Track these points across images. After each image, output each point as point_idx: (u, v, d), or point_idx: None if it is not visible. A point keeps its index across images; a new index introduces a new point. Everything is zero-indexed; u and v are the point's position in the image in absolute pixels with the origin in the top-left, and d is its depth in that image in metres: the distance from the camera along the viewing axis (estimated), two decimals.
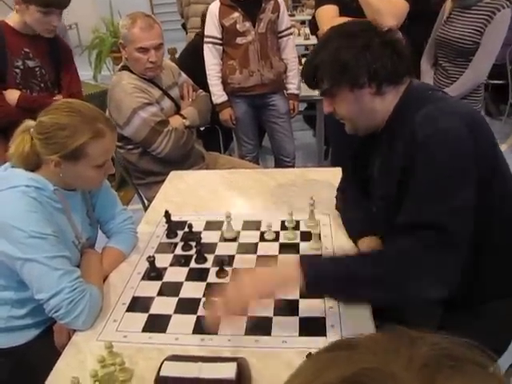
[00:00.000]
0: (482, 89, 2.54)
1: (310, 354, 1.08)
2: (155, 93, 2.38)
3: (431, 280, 1.15)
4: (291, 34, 2.99)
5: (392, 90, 1.29)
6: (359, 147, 1.47)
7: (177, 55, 4.14)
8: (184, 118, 2.46)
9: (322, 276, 1.19)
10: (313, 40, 5.02)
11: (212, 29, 2.84)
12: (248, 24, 2.79)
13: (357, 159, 1.54)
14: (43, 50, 2.46)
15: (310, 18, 5.77)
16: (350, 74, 1.24)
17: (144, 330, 1.30)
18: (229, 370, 1.07)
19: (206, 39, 2.88)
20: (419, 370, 0.40)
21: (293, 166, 3.24)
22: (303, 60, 3.94)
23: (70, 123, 1.34)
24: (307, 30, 5.33)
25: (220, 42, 2.86)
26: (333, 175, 1.96)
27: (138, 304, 1.39)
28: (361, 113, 1.32)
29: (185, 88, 2.61)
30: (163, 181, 2.18)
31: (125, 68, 2.39)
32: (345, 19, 2.47)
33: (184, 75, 2.65)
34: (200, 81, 2.82)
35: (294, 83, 3.04)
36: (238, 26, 2.79)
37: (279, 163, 3.26)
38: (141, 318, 1.34)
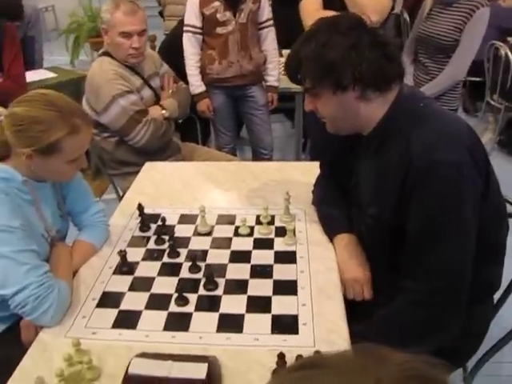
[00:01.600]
0: (460, 87, 2.55)
1: (281, 353, 1.08)
2: (136, 81, 2.34)
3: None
4: (271, 25, 2.95)
5: (378, 97, 1.24)
6: (340, 144, 1.45)
7: (157, 42, 4.07)
8: (163, 108, 2.42)
9: None
10: None
11: (192, 17, 2.79)
12: (229, 14, 2.74)
13: (337, 156, 1.52)
14: None
15: None
16: (333, 75, 1.19)
17: (114, 326, 1.28)
18: (199, 370, 1.05)
19: (185, 28, 2.83)
20: None
21: (270, 159, 3.23)
22: (283, 52, 3.92)
23: (45, 117, 1.30)
24: None
25: (200, 31, 2.81)
26: (310, 170, 1.94)
27: (108, 299, 1.37)
28: (343, 116, 1.28)
29: (166, 79, 2.56)
30: (138, 172, 2.14)
31: (106, 54, 2.34)
32: (329, 13, 2.46)
33: (166, 66, 2.61)
34: (180, 70, 2.77)
35: (274, 75, 3.01)
36: (218, 16, 2.74)
37: (257, 155, 3.24)
38: (111, 314, 1.31)
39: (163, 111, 2.41)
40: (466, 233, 1.17)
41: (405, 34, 4.23)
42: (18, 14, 3.98)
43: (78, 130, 1.33)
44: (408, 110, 1.25)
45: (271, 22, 2.96)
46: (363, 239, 1.47)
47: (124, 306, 1.34)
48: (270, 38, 2.96)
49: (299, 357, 1.08)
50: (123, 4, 2.23)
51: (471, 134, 1.24)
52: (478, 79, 4.04)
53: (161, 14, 4.91)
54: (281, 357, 1.08)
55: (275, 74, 3.02)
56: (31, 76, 3.50)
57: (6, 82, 2.52)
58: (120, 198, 2.57)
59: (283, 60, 3.67)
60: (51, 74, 3.70)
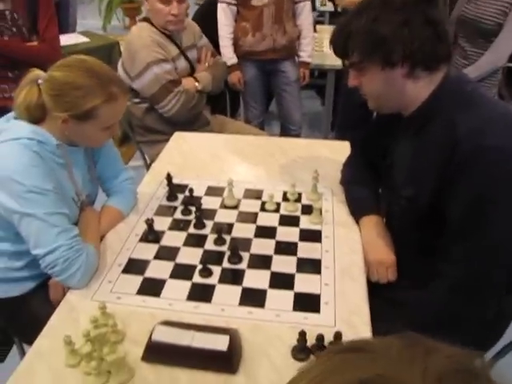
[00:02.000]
0: (499, 73, 2.47)
1: (302, 331, 1.09)
2: (172, 50, 2.34)
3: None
4: (308, 0, 2.90)
5: (426, 76, 1.21)
6: (376, 122, 1.42)
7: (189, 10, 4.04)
8: (197, 81, 2.41)
9: None
10: (329, 7, 4.90)
11: None
12: None
13: (372, 134, 1.50)
14: None
15: None
16: (383, 51, 1.17)
17: (138, 292, 1.30)
18: (221, 342, 1.07)
19: None
20: (433, 382, 0.38)
21: (298, 135, 3.20)
22: (317, 27, 3.85)
23: (84, 84, 1.31)
24: None
25: (235, 2, 2.78)
26: (339, 149, 1.94)
27: (133, 266, 1.39)
28: (388, 93, 1.26)
29: (203, 52, 2.55)
30: (166, 140, 2.16)
31: (146, 20, 2.34)
32: None
33: (205, 38, 2.59)
34: (214, 41, 2.75)
35: (307, 51, 2.97)
36: None
37: (285, 131, 3.22)
38: (136, 281, 1.33)
39: (196, 83, 2.40)
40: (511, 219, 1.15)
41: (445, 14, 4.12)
42: None
43: (115, 97, 1.34)
44: (454, 92, 1.22)
45: None
46: (394, 220, 1.46)
47: (149, 273, 1.36)
48: (305, 12, 2.90)
49: (320, 336, 1.10)
50: None
51: None
52: None
53: None
54: (302, 334, 1.09)
55: (309, 49, 2.97)
56: (64, 40, 3.50)
57: (41, 46, 2.53)
58: (147, 166, 2.60)
59: (317, 35, 3.63)
60: (84, 39, 3.72)
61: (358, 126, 1.60)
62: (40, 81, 1.35)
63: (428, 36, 1.16)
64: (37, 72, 1.38)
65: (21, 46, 2.49)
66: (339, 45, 1.27)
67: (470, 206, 1.15)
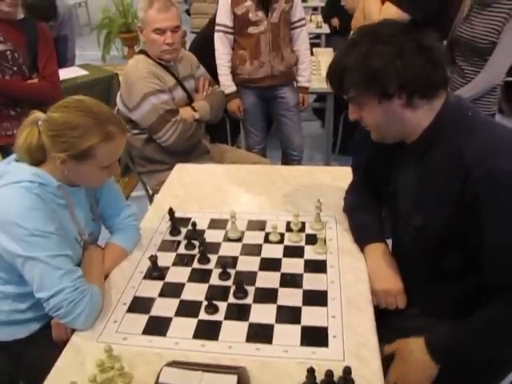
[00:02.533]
0: (497, 91, 2.47)
1: (311, 368, 1.08)
2: (169, 81, 2.36)
3: None
4: (304, 25, 2.93)
5: (425, 104, 1.21)
6: (377, 148, 1.42)
7: (186, 38, 4.09)
8: (195, 110, 2.43)
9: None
10: (325, 29, 4.96)
11: (223, 17, 2.79)
12: (261, 13, 2.74)
13: (373, 160, 1.50)
14: (16, 34, 2.48)
15: (323, 4, 5.68)
16: (378, 84, 1.17)
17: (144, 332, 1.29)
18: (229, 382, 1.05)
19: (217, 27, 2.84)
20: None
21: (300, 161, 3.21)
22: (314, 50, 3.89)
23: (81, 123, 1.32)
24: (319, 18, 5.25)
25: (231, 30, 2.81)
26: (341, 175, 1.93)
27: (138, 304, 1.38)
28: (389, 124, 1.26)
29: (201, 81, 2.57)
30: (166, 170, 2.18)
31: (142, 52, 2.38)
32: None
33: (202, 68, 2.62)
34: (211, 70, 2.78)
35: (305, 76, 2.99)
36: (250, 15, 2.74)
37: (286, 156, 3.23)
38: (141, 320, 1.32)
39: (194, 113, 2.42)
40: None
41: None
42: (52, 14, 4.06)
43: (113, 137, 1.35)
44: (456, 118, 1.22)
45: (304, 22, 2.94)
46: (402, 248, 1.44)
47: (154, 312, 1.35)
48: (302, 37, 2.94)
49: (329, 372, 1.08)
50: (157, 1, 2.25)
51: None
52: None
53: (187, 12, 4.94)
54: (310, 371, 1.08)
55: (307, 74, 3.00)
56: (63, 74, 3.55)
57: (41, 83, 2.59)
58: (149, 196, 2.61)
59: (314, 59, 3.66)
60: (83, 72, 3.77)
61: (361, 151, 1.59)
62: (40, 122, 1.36)
63: (422, 64, 1.15)
64: (37, 114, 1.39)
65: (21, 85, 2.55)
66: (335, 83, 1.27)
67: (502, 236, 1.14)
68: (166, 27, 2.26)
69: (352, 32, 2.85)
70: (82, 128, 1.31)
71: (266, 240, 1.62)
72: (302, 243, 1.59)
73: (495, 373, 1.36)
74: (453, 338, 1.24)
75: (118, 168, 1.46)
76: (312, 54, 3.67)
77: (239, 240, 1.63)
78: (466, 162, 1.15)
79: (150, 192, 2.60)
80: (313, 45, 4.21)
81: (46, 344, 1.43)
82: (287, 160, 3.22)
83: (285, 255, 1.54)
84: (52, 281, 1.27)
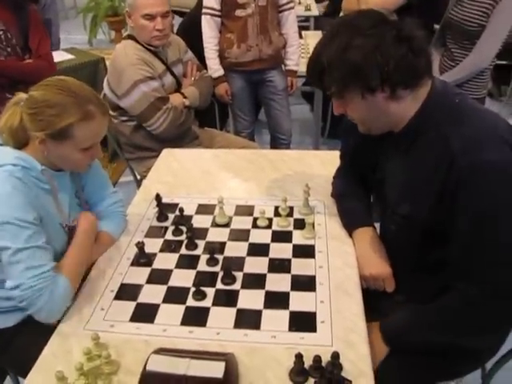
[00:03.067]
0: (486, 74, 2.46)
1: (299, 353, 1.08)
2: (159, 67, 2.32)
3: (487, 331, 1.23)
4: (292, 8, 2.89)
5: (409, 94, 1.19)
6: (364, 136, 1.41)
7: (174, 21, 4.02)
8: (185, 97, 2.40)
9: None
10: (314, 11, 4.90)
11: (211, 0, 2.75)
12: None
13: (360, 147, 1.49)
14: (8, 14, 2.48)
15: None
16: (360, 79, 1.14)
17: (132, 319, 1.28)
18: (217, 369, 1.05)
19: (204, 10, 2.79)
20: None
21: (289, 144, 3.19)
22: (303, 33, 3.85)
23: (59, 102, 1.30)
24: (308, 0, 5.19)
25: (219, 13, 2.77)
26: (330, 159, 1.92)
27: (126, 291, 1.37)
28: (374, 117, 1.24)
29: (189, 66, 2.54)
30: (155, 157, 2.14)
31: (130, 37, 2.33)
32: None
33: (190, 53, 2.58)
34: (199, 53, 2.74)
35: (293, 59, 2.96)
36: None
37: (275, 141, 3.21)
38: (129, 307, 1.31)
39: (184, 100, 2.39)
40: None
41: None
42: None
43: (92, 116, 1.32)
44: (443, 106, 1.21)
45: (292, 5, 2.90)
46: (389, 236, 1.44)
47: (142, 298, 1.34)
48: (290, 20, 2.90)
49: (317, 357, 1.08)
50: None
51: (511, 128, 1.20)
52: (503, 62, 3.92)
53: None
54: (299, 357, 1.08)
55: (295, 58, 2.97)
56: None
57: (38, 62, 2.60)
58: (137, 182, 2.58)
59: (303, 42, 3.63)
60: (69, 56, 3.71)
61: (348, 137, 1.57)
62: (22, 102, 1.34)
63: (403, 54, 1.12)
64: (21, 95, 1.37)
65: (18, 65, 2.57)
66: (315, 80, 1.23)
67: (474, 224, 1.13)
68: (156, 13, 2.21)
69: (341, 13, 2.82)
70: (60, 106, 1.29)
71: (254, 225, 1.61)
72: (291, 228, 1.59)
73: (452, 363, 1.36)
74: (403, 324, 1.29)
75: (100, 151, 1.44)
76: (301, 36, 3.64)
77: (227, 225, 1.62)
78: (452, 151, 1.14)
79: (139, 177, 2.57)
80: (302, 28, 4.16)
81: (33, 332, 1.41)
82: (276, 144, 3.20)
83: (273, 240, 1.54)
84: (14, 273, 1.25)
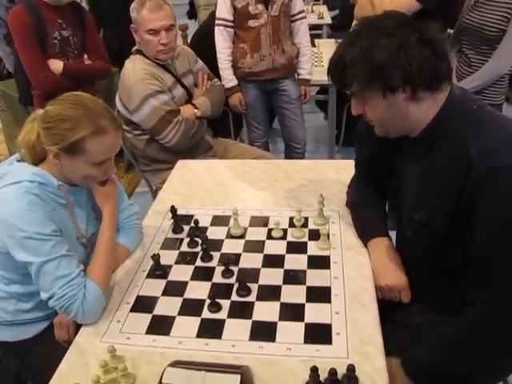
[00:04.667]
0: (505, 80, 2.43)
1: (314, 366, 1.07)
2: (168, 80, 2.34)
3: None
4: (304, 17, 2.91)
5: (429, 97, 1.19)
6: (380, 142, 1.40)
7: (188, 31, 4.05)
8: (196, 108, 2.41)
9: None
10: (327, 19, 4.91)
11: (224, 11, 2.77)
12: (261, 6, 2.71)
13: (376, 154, 1.49)
14: (72, 19, 2.69)
15: None
16: (382, 78, 1.14)
17: (147, 331, 1.29)
18: (232, 382, 1.05)
19: (217, 21, 2.81)
20: None
21: (303, 153, 3.19)
22: (316, 41, 3.85)
23: (72, 116, 1.32)
24: (321, 9, 5.21)
25: (231, 24, 2.79)
26: (344, 168, 1.93)
27: (142, 304, 1.38)
28: (393, 118, 1.24)
29: (200, 76, 2.56)
30: (169, 168, 2.16)
31: (138, 52, 2.35)
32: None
33: (200, 62, 2.60)
34: (212, 64, 2.76)
35: (306, 68, 2.97)
36: (250, 9, 2.71)
37: (289, 149, 3.21)
38: (145, 319, 1.32)
39: (196, 110, 2.40)
40: None
41: None
42: None
43: (104, 131, 1.33)
44: (460, 111, 1.20)
45: (304, 14, 2.92)
46: (405, 244, 1.43)
47: (157, 311, 1.35)
48: (302, 30, 2.91)
49: (333, 370, 1.08)
50: (148, 0, 2.22)
51: None
52: None
53: (190, 4, 4.86)
54: (314, 370, 1.07)
55: (308, 67, 2.98)
56: None
57: (100, 62, 2.84)
58: (153, 192, 2.60)
59: (316, 50, 3.63)
60: None
61: (363, 145, 1.57)
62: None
63: (426, 56, 1.13)
64: (38, 111, 1.40)
65: (85, 66, 2.82)
66: (337, 77, 1.25)
67: (493, 233, 1.12)
68: (159, 27, 2.22)
69: (355, 21, 2.81)
70: (73, 120, 1.31)
71: (269, 236, 1.61)
72: (305, 239, 1.58)
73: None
74: (427, 359, 1.23)
75: (114, 168, 1.45)
76: (314, 45, 3.64)
77: (242, 237, 1.62)
78: (470, 158, 1.13)
79: (154, 189, 2.59)
80: (314, 36, 4.17)
81: (51, 344, 1.44)
82: (290, 153, 3.20)
83: (288, 251, 1.53)
84: (45, 285, 1.30)
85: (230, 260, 1.48)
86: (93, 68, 2.83)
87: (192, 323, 1.30)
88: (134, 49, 2.39)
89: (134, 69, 2.27)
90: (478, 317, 1.18)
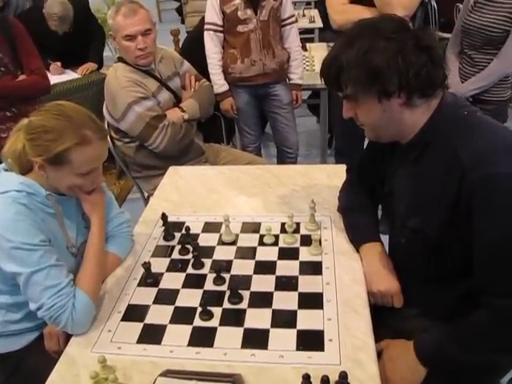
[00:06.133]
0: (510, 78, 2.46)
1: (306, 374, 1.07)
2: (151, 85, 2.32)
3: None
4: (295, 22, 2.91)
5: (423, 104, 1.19)
6: (370, 148, 1.40)
7: (180, 36, 4.05)
8: (183, 111, 2.40)
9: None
10: (318, 23, 4.92)
11: (213, 15, 2.76)
12: (249, 11, 2.70)
13: (367, 160, 1.48)
14: None
15: None
16: (379, 82, 1.14)
17: (138, 341, 1.27)
18: None
19: (206, 26, 2.81)
20: None
21: (295, 158, 3.19)
22: (307, 45, 3.86)
23: (55, 127, 1.30)
24: (312, 12, 5.21)
25: (221, 29, 2.78)
26: (336, 173, 1.92)
27: (133, 312, 1.36)
28: (386, 123, 1.23)
29: (187, 77, 2.53)
30: (161, 174, 2.15)
31: (120, 60, 2.33)
32: (355, 7, 2.40)
33: (187, 64, 2.57)
34: (203, 68, 2.75)
35: (297, 73, 2.97)
36: (239, 14, 2.71)
37: (282, 154, 3.20)
38: (136, 328, 1.31)
39: (183, 114, 2.38)
40: None
41: (432, 22, 4.11)
42: None
43: (88, 141, 1.32)
44: (451, 117, 1.20)
45: (294, 19, 2.92)
46: (398, 250, 1.42)
47: (149, 319, 1.34)
48: (292, 34, 2.91)
49: (325, 378, 1.07)
50: (123, 6, 2.20)
51: None
52: None
53: (178, 11, 4.86)
54: (306, 378, 1.06)
55: (299, 71, 2.98)
56: (56, 78, 3.55)
57: (32, 77, 2.61)
58: (145, 199, 2.59)
59: (307, 54, 3.64)
60: (75, 75, 3.73)
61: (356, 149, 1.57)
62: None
63: (423, 62, 1.13)
64: (24, 121, 1.38)
65: (14, 84, 2.57)
66: (330, 79, 1.23)
67: (494, 239, 1.11)
68: (135, 32, 2.19)
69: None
70: (56, 131, 1.30)
71: (261, 242, 1.60)
72: (297, 245, 1.58)
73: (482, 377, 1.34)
74: (439, 345, 1.22)
75: (101, 177, 1.44)
76: (305, 49, 3.65)
77: (233, 243, 1.61)
78: (462, 164, 1.13)
79: (146, 195, 2.58)
80: (306, 40, 4.18)
81: (42, 355, 1.42)
82: (283, 157, 3.20)
83: (280, 257, 1.53)
84: (34, 295, 1.29)
85: (222, 267, 1.47)
86: (25, 85, 2.61)
87: (183, 331, 1.29)
88: (115, 56, 2.38)
89: (117, 76, 2.25)
90: (490, 322, 1.17)
